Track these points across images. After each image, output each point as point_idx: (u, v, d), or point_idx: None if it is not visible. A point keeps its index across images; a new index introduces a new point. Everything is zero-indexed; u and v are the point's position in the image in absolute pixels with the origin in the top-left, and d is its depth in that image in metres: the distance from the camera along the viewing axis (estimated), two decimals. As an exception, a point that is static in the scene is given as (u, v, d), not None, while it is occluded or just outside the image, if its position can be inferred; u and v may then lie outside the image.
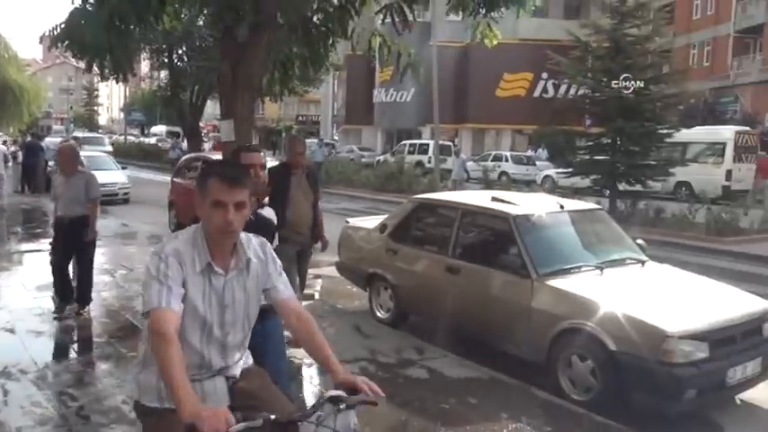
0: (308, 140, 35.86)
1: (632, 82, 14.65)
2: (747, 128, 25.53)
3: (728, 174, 21.66)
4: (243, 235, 2.22)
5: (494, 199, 6.09)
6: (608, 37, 14.99)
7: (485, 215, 6.04)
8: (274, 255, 2.34)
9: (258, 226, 3.10)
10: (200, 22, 18.21)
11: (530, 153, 34.51)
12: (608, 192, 15.27)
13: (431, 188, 17.75)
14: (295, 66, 8.03)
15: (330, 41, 7.62)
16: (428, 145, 31.40)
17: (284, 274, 2.33)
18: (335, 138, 49.61)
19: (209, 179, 2.11)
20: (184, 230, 2.22)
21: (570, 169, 16.19)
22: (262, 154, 3.63)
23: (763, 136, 29.29)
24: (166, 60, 25.12)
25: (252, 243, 2.27)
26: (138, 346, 2.30)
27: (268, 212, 3.57)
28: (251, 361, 2.43)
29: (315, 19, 7.29)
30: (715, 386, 4.52)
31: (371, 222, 7.31)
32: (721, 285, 5.46)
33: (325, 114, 52.71)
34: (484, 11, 7.28)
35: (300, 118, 62.85)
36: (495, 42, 8.15)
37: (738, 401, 5.01)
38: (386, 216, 7.16)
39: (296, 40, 7.42)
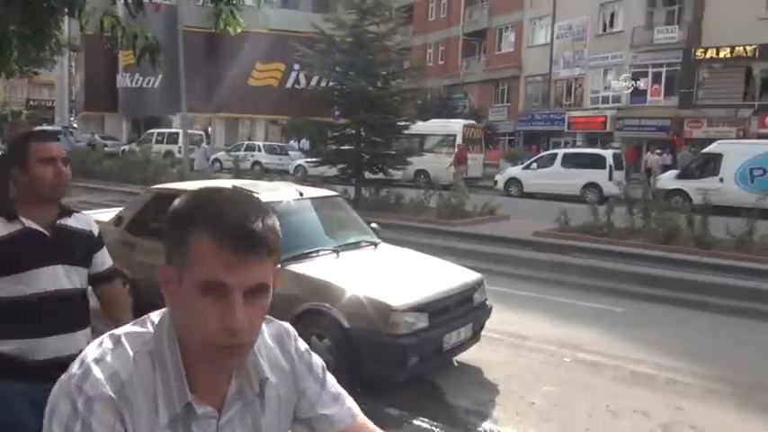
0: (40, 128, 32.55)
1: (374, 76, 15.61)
2: (473, 122, 28.69)
3: (459, 163, 24.11)
4: None
5: (234, 188, 6.10)
6: (350, 32, 15.72)
7: (226, 204, 6.03)
8: (305, 349, 1.28)
9: (60, 245, 2.29)
10: None
11: (292, 143, 34.99)
12: (354, 180, 16.09)
13: (180, 178, 17.08)
14: (12, 44, 7.22)
15: (55, 19, 7.00)
16: (178, 134, 30.26)
17: (330, 380, 1.31)
18: (74, 125, 45.43)
19: (189, 233, 1.02)
20: (130, 327, 1.13)
21: (318, 159, 16.75)
22: (60, 143, 2.50)
23: (487, 129, 33.13)
24: None
25: (266, 343, 1.21)
26: None
27: (82, 221, 2.45)
28: None
29: (34, -8, 6.62)
30: (434, 352, 5.08)
31: (107, 215, 6.89)
32: (440, 262, 6.11)
33: (61, 99, 47.97)
34: (226, -3, 7.22)
35: (32, 102, 56.55)
36: (238, 30, 8.11)
37: (455, 363, 5.68)
38: (121, 208, 6.81)
39: (12, 14, 6.68)
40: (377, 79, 15.84)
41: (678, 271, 9.91)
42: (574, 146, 32.17)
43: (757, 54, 27.75)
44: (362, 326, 4.80)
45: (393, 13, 19.01)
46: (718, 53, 28.86)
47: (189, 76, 19.74)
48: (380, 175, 16.10)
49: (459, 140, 24.41)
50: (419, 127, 22.54)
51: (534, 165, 23.13)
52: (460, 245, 11.70)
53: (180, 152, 26.64)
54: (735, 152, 19.20)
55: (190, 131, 22.58)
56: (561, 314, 7.68)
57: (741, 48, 28.04)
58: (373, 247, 6.12)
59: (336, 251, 5.67)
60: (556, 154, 23.50)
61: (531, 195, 21.89)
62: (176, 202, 1.10)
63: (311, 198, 6.35)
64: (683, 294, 8.85)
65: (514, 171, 23.89)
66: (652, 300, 8.70)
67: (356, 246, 6.04)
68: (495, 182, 23.60)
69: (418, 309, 4.88)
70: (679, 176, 19.95)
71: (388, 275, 5.43)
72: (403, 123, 16.24)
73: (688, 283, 9.29)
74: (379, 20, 16.32)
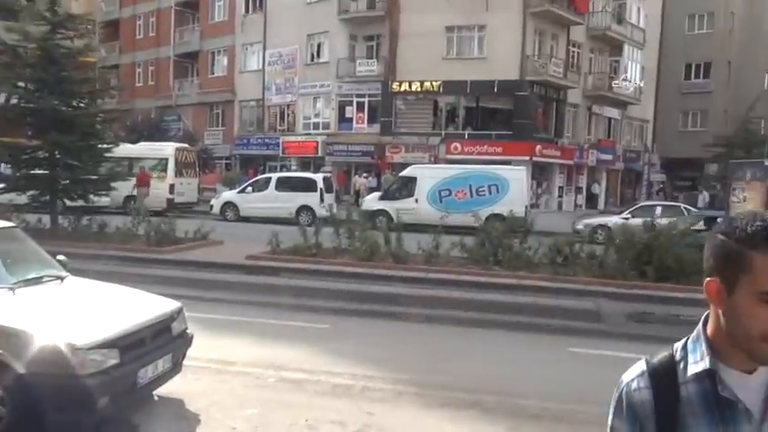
0: None
1: (68, 95, 14.38)
2: (187, 145, 27.98)
3: (171, 188, 23.33)
4: None
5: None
6: (39, 45, 14.28)
7: None
8: None
9: None
10: None
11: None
12: (50, 207, 14.58)
13: None
14: None
15: None
16: None
17: None
18: None
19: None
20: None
21: (2, 185, 14.83)
22: None
23: (202, 152, 32.60)
24: None
25: None
26: None
27: None
28: None
29: None
30: (128, 389, 4.78)
31: None
32: (135, 292, 5.80)
33: None
34: None
35: None
36: None
37: (156, 397, 5.42)
38: None
39: None
40: (72, 97, 14.60)
41: (378, 285, 10.76)
42: (290, 170, 33.14)
43: (442, 89, 31.59)
44: (42, 370, 4.34)
45: (95, 27, 17.79)
46: (410, 87, 32.21)
47: None
48: (81, 202, 14.83)
49: (171, 164, 23.61)
50: (128, 150, 21.34)
51: (249, 188, 23.31)
52: (171, 272, 11.27)
53: None
54: (426, 175, 21.57)
55: None
56: (269, 335, 7.81)
57: (429, 83, 31.66)
58: (59, 281, 5.59)
59: (12, 288, 5.06)
60: (270, 178, 23.97)
61: (248, 219, 22.00)
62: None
63: (-20, 230, 5.61)
64: (382, 307, 9.62)
65: (230, 195, 23.79)
66: (355, 314, 9.30)
67: (37, 281, 5.45)
68: (211, 206, 23.27)
69: (107, 345, 4.57)
70: (381, 198, 21.78)
71: (74, 311, 5.00)
72: (105, 146, 15.19)
73: (386, 296, 10.13)
74: (74, 34, 15.14)
